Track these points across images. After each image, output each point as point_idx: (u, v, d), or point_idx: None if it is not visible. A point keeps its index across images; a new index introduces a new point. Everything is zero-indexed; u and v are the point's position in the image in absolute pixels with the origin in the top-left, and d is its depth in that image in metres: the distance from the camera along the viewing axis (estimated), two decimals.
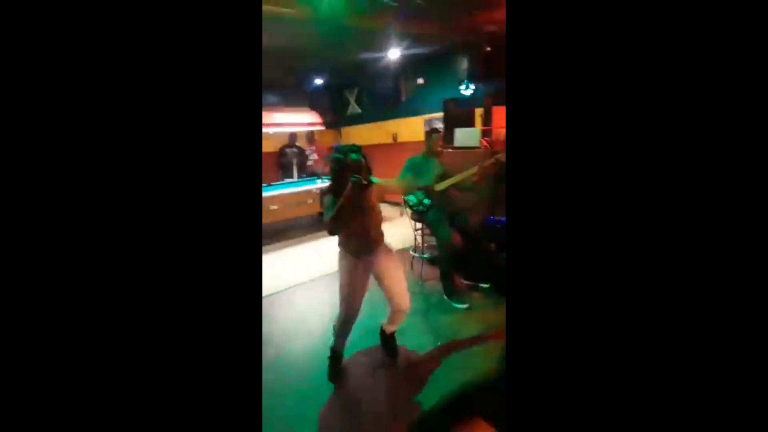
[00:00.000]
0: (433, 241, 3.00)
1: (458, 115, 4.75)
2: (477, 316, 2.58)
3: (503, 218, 3.05)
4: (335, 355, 2.07)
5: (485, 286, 2.99)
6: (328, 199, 1.76)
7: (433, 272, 3.21)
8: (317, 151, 6.18)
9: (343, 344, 2.06)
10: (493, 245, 3.04)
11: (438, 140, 3.01)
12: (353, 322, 1.94)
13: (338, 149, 1.79)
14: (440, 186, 2.88)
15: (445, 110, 4.96)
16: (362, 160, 1.73)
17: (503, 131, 4.10)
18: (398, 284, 1.91)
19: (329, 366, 2.06)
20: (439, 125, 5.24)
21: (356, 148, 1.77)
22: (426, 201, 2.92)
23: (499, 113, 4.91)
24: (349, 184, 1.63)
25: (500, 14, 3.88)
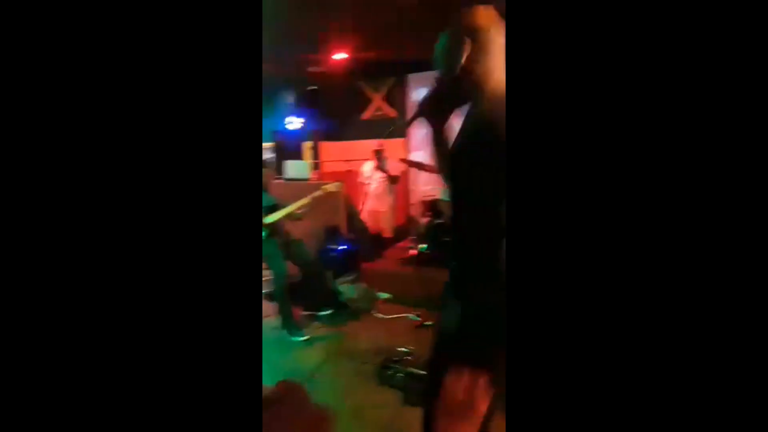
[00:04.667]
0: (268, 275, 2.88)
1: (286, 148, 4.81)
2: (317, 346, 2.57)
3: (339, 247, 3.18)
4: None
5: (325, 313, 3.02)
6: None
7: (270, 308, 3.06)
8: None
9: None
10: (330, 273, 3.12)
11: (267, 172, 2.97)
12: None
13: None
14: (271, 218, 2.81)
15: (274, 141, 4.95)
16: None
17: (331, 164, 4.34)
18: None
19: None
20: (269, 156, 5.17)
21: None
22: None
23: (327, 148, 5.19)
24: None
25: (322, 56, 4.17)
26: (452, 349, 0.95)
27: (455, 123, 1.09)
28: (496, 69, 0.95)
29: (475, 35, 0.92)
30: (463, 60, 0.92)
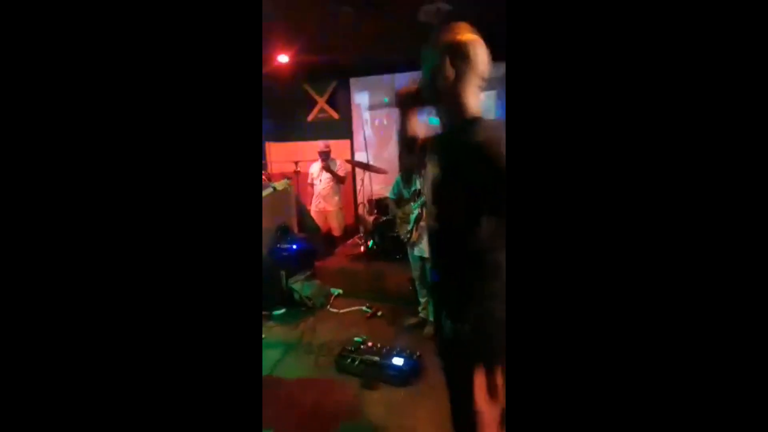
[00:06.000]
0: None
1: None
2: (269, 345, 2.66)
3: (290, 246, 3.27)
4: None
5: (279, 312, 3.11)
6: None
7: None
8: None
9: None
10: (282, 273, 3.21)
11: None
12: None
13: None
14: None
15: None
16: None
17: (279, 165, 4.38)
18: None
19: None
20: None
21: None
22: None
23: (274, 149, 5.20)
24: None
25: (265, 57, 4.17)
26: (463, 350, 1.05)
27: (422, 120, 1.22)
28: (472, 88, 1.01)
29: (457, 54, 0.98)
30: (446, 77, 0.99)
